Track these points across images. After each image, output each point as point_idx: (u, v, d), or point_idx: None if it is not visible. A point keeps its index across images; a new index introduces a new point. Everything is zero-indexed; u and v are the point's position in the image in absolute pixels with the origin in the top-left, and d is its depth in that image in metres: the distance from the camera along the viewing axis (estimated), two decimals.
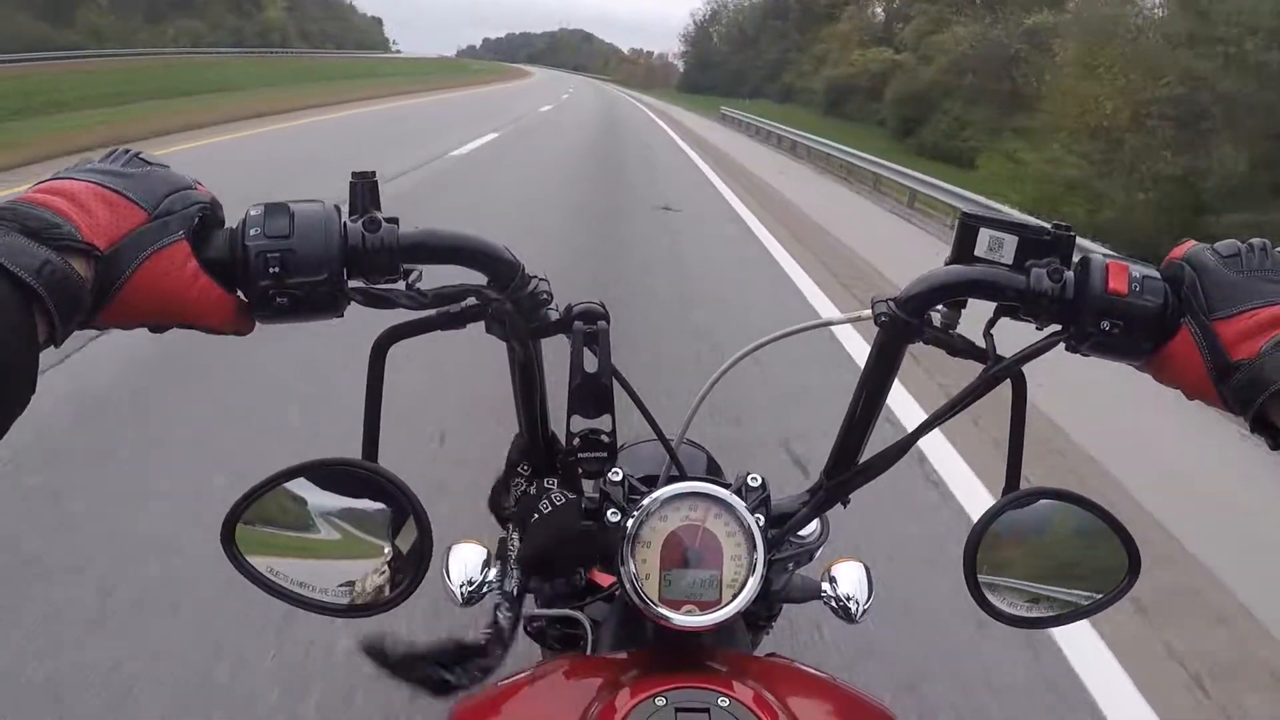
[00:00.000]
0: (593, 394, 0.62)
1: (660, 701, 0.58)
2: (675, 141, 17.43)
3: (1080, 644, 2.14)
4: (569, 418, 0.67)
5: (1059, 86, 17.56)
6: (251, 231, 0.52)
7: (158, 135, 10.52)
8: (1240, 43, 13.09)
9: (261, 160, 9.28)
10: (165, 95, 15.83)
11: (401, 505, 0.59)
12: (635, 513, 0.64)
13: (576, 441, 0.68)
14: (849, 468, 0.72)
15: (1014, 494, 0.63)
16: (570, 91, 39.25)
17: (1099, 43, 16.06)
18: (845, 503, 0.74)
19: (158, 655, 1.83)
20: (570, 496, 0.69)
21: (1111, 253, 0.63)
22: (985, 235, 0.61)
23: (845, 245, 7.54)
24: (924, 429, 0.66)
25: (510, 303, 0.59)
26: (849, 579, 0.82)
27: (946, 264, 0.62)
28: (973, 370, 0.63)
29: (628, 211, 7.76)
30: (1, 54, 19.09)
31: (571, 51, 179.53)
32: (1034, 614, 0.65)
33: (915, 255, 7.36)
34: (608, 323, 0.62)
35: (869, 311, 0.63)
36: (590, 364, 0.61)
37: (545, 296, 0.61)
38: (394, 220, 0.55)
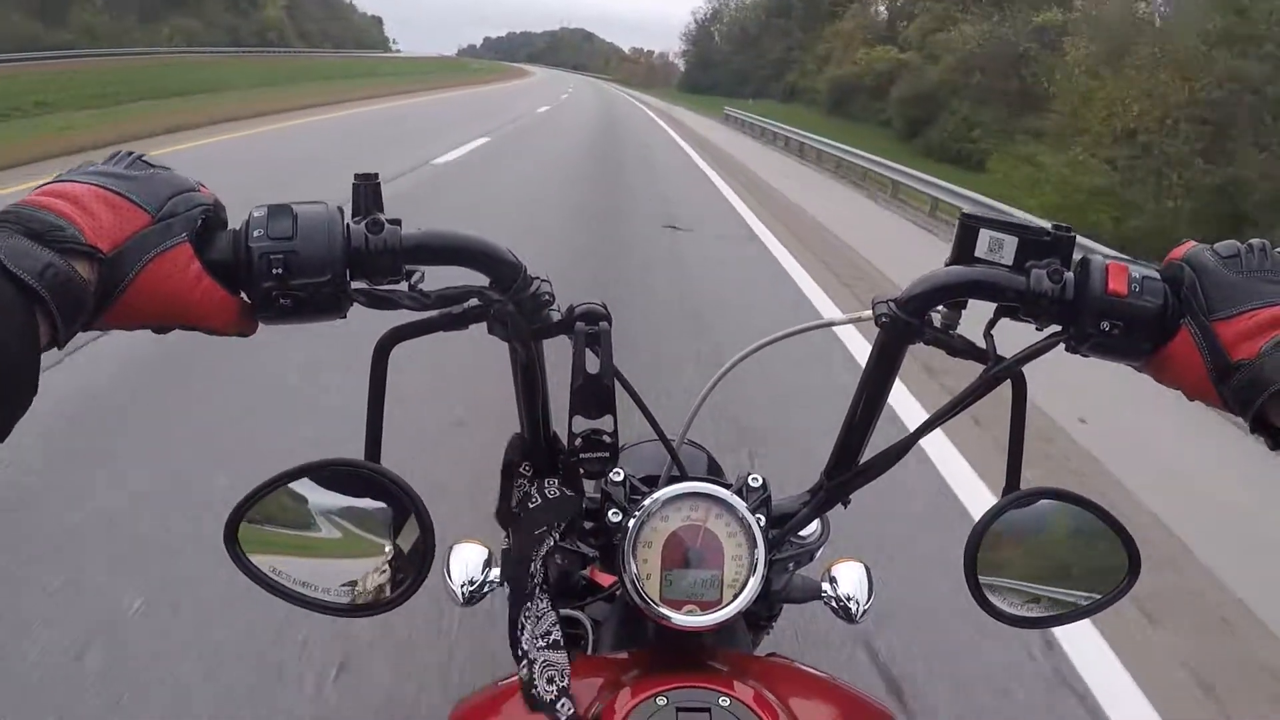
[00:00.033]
0: (594, 395, 0.62)
1: (661, 701, 0.58)
2: (676, 141, 17.40)
3: (1081, 644, 2.14)
4: (571, 418, 0.67)
5: (1075, 87, 16.92)
6: (255, 233, 0.52)
7: (152, 135, 10.45)
8: None
9: (260, 160, 9.27)
10: (159, 95, 15.70)
11: (403, 505, 0.59)
12: (636, 513, 0.64)
13: (578, 442, 0.68)
14: (849, 468, 0.72)
15: (1014, 494, 0.64)
16: (570, 91, 39.20)
17: (1122, 41, 15.34)
18: (846, 503, 0.74)
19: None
20: (568, 493, 0.69)
21: (1117, 254, 0.64)
22: (985, 236, 0.61)
23: (863, 258, 7.11)
24: (924, 429, 0.66)
25: (512, 304, 0.59)
26: (849, 579, 0.82)
27: (947, 265, 0.62)
28: (972, 371, 0.63)
29: (627, 224, 7.23)
30: None
31: (572, 51, 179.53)
32: (1034, 614, 0.65)
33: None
34: (609, 324, 0.62)
35: (869, 312, 0.63)
36: (592, 365, 0.61)
37: (547, 298, 0.61)
38: (396, 221, 0.55)
